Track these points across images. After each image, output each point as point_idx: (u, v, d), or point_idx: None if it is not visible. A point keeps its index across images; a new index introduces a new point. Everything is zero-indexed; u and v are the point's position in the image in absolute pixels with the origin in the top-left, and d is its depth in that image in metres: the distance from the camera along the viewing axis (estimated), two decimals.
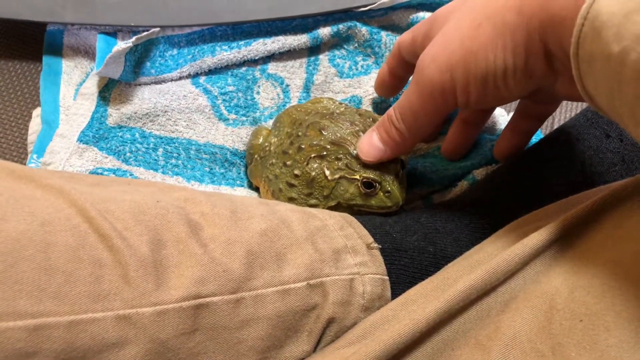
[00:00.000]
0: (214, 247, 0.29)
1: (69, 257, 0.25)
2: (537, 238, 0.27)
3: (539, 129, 0.46)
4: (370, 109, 0.48)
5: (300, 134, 0.40)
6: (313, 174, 0.38)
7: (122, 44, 0.43)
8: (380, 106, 0.48)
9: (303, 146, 0.39)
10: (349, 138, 0.38)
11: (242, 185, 0.45)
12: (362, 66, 0.50)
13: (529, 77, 0.30)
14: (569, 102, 0.50)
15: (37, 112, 0.49)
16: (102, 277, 0.25)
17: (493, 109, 0.41)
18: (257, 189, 0.44)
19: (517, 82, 0.30)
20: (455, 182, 0.43)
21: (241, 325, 0.28)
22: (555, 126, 0.47)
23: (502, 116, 0.47)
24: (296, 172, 0.38)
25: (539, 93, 0.33)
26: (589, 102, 0.25)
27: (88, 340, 0.24)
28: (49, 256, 0.24)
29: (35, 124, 0.48)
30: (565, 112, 0.49)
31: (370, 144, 0.36)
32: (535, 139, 0.44)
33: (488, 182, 0.40)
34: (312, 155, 0.38)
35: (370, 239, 0.34)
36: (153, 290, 0.26)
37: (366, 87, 0.48)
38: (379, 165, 0.37)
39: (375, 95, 0.48)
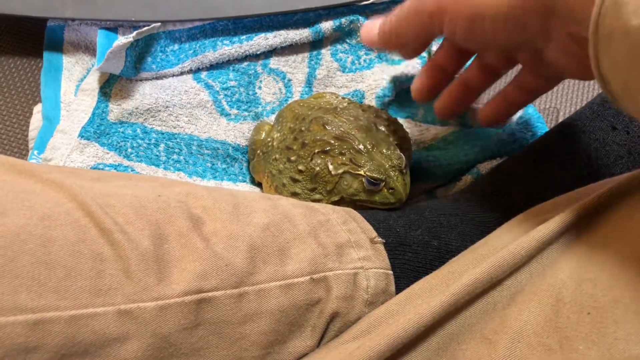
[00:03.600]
0: (216, 241, 0.28)
1: (69, 251, 0.25)
2: (543, 231, 0.27)
3: (544, 123, 0.45)
4: (373, 103, 0.47)
5: (303, 129, 0.39)
6: (317, 169, 0.37)
7: (123, 39, 0.43)
8: (383, 100, 0.47)
9: (307, 141, 0.38)
10: (352, 133, 0.38)
11: (245, 181, 0.45)
12: (364, 60, 0.50)
13: (520, 29, 0.29)
14: (575, 96, 0.49)
15: (37, 109, 0.49)
16: (103, 272, 0.25)
17: (493, 79, 0.39)
18: (259, 185, 0.44)
19: (506, 29, 0.29)
20: (459, 176, 0.43)
21: (244, 320, 0.27)
22: (561, 119, 0.46)
23: None
24: (300, 167, 0.38)
25: (527, 54, 0.33)
26: (600, 84, 0.25)
27: (89, 335, 0.24)
28: (49, 250, 0.24)
29: (36, 120, 0.48)
30: (570, 106, 0.49)
31: (370, 25, 0.37)
32: (540, 132, 0.44)
33: (492, 176, 0.39)
34: (316, 150, 0.38)
35: (374, 234, 0.33)
36: (155, 284, 0.26)
37: (369, 82, 0.48)
38: (384, 161, 0.36)
39: (378, 89, 0.47)
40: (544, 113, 0.48)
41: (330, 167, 0.37)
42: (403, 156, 0.37)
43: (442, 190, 0.44)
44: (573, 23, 0.26)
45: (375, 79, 0.48)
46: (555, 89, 0.50)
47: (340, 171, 0.37)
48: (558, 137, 0.39)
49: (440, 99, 0.41)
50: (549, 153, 0.38)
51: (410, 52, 0.39)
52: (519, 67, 0.37)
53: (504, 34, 0.30)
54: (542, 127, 0.45)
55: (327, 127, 0.38)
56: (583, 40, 0.27)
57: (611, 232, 0.26)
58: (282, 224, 0.31)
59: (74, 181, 0.28)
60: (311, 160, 0.38)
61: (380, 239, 0.33)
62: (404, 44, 0.37)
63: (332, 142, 0.37)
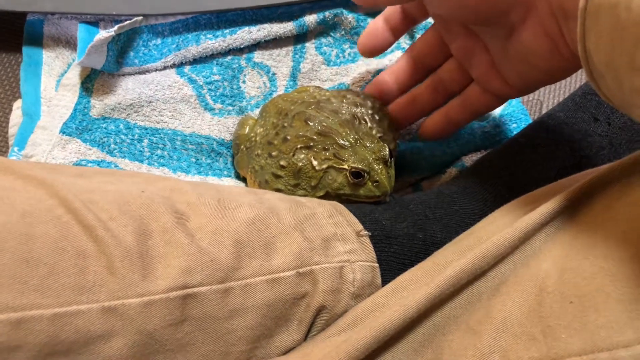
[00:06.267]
0: (201, 236, 0.28)
1: (51, 248, 0.24)
2: (526, 222, 0.27)
3: (528, 115, 0.46)
4: None
5: (285, 124, 0.39)
6: (300, 164, 0.37)
7: (104, 33, 0.42)
8: None
9: (289, 137, 0.38)
10: (335, 128, 0.38)
11: (230, 176, 0.45)
12: (349, 54, 0.49)
13: None
14: (557, 88, 0.50)
15: (17, 105, 0.48)
16: (86, 269, 0.25)
17: (491, 103, 0.39)
18: (244, 180, 0.44)
19: None
20: (444, 168, 0.43)
21: (230, 315, 0.27)
22: (544, 111, 0.47)
23: None
24: (282, 162, 0.38)
25: (495, 42, 0.32)
26: (583, 61, 0.25)
27: (73, 333, 0.23)
28: (31, 248, 0.24)
29: (15, 117, 0.47)
30: (553, 98, 0.49)
31: None
32: (524, 124, 0.44)
33: (477, 168, 0.40)
34: (299, 146, 0.38)
35: (360, 227, 0.33)
36: (139, 280, 0.25)
37: (353, 75, 0.48)
38: (367, 154, 0.36)
39: (363, 82, 0.47)
40: (527, 105, 0.48)
41: (314, 162, 0.37)
42: (387, 148, 0.37)
43: (427, 183, 0.44)
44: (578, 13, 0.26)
45: (360, 72, 0.48)
46: None
47: (324, 166, 0.37)
48: (541, 129, 0.39)
49: (392, 108, 0.42)
50: (532, 144, 0.38)
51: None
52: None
53: None
54: (526, 119, 0.45)
55: (309, 122, 0.38)
56: (564, 16, 0.27)
57: (592, 222, 0.27)
58: (268, 219, 0.31)
59: (55, 177, 0.28)
60: (293, 155, 0.37)
61: (366, 232, 0.33)
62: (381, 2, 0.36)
63: (315, 137, 0.37)
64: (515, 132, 0.43)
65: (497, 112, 0.45)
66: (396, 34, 0.40)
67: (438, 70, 0.40)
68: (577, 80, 0.50)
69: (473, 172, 0.39)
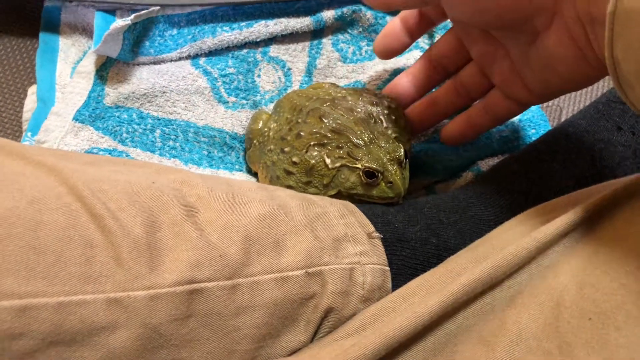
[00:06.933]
0: (211, 231, 0.28)
1: (59, 236, 0.24)
2: (544, 232, 0.26)
3: (547, 121, 0.45)
4: None
5: (300, 120, 0.39)
6: (312, 162, 0.37)
7: (120, 22, 0.42)
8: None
9: (302, 133, 0.37)
10: (350, 126, 0.37)
11: (241, 170, 0.44)
12: (366, 51, 0.49)
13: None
14: (578, 94, 0.49)
15: (32, 90, 0.48)
16: (93, 258, 0.24)
17: (515, 109, 0.38)
18: (256, 175, 0.43)
19: None
20: (459, 172, 0.42)
21: (236, 313, 0.27)
22: (563, 118, 0.46)
23: None
24: (294, 159, 0.37)
25: (517, 49, 0.31)
26: (611, 70, 0.24)
27: (77, 323, 0.23)
28: (38, 235, 0.23)
29: (30, 102, 0.47)
30: (573, 105, 0.48)
31: None
32: (543, 130, 0.43)
33: (493, 174, 0.39)
34: (312, 143, 0.37)
35: (372, 228, 0.33)
36: (146, 273, 0.25)
37: (370, 73, 0.47)
38: (382, 154, 0.36)
39: (379, 81, 0.47)
40: (547, 111, 0.47)
41: (327, 160, 0.36)
42: (402, 149, 0.36)
43: (442, 186, 0.43)
44: (586, 2, 0.25)
45: (376, 70, 0.47)
46: None
47: (337, 165, 0.36)
48: (561, 136, 0.38)
49: (411, 111, 0.41)
50: (551, 152, 0.37)
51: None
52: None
53: (509, 3, 0.28)
54: (545, 125, 0.44)
55: (324, 119, 0.37)
56: (591, 21, 0.26)
57: (614, 236, 0.26)
58: (279, 216, 0.30)
59: (66, 165, 0.27)
60: (306, 152, 0.37)
61: (377, 234, 0.32)
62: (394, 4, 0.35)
63: (329, 135, 0.37)
64: (533, 138, 0.42)
65: (516, 117, 0.44)
66: (413, 35, 0.39)
67: (459, 74, 0.39)
68: (599, 87, 0.49)
69: (489, 177, 0.39)
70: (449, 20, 0.39)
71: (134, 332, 0.24)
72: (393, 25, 0.39)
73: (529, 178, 0.37)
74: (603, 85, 0.49)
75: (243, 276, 0.27)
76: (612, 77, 0.24)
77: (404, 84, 0.41)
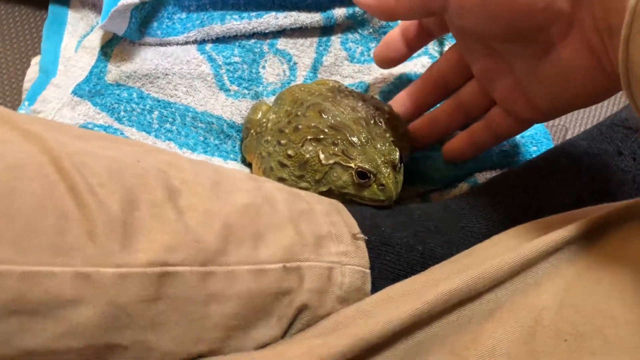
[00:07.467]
0: (191, 215, 0.27)
1: (33, 205, 0.23)
2: (530, 248, 0.26)
3: (551, 140, 0.44)
4: (377, 97, 0.46)
5: (299, 113, 0.38)
6: (307, 156, 0.36)
7: None
8: (387, 96, 0.46)
9: (300, 126, 0.37)
10: (348, 124, 0.36)
11: (236, 160, 0.44)
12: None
13: (548, 5, 0.27)
14: (585, 116, 0.48)
15: (35, 60, 0.47)
16: (65, 231, 0.24)
17: (522, 124, 0.37)
18: (250, 165, 0.43)
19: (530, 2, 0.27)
20: (456, 182, 0.41)
21: (208, 300, 0.26)
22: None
23: None
24: (290, 152, 0.37)
25: (524, 63, 0.30)
26: (622, 72, 0.23)
27: (42, 294, 0.23)
28: (12, 201, 0.23)
29: (32, 72, 0.47)
30: (580, 126, 0.47)
31: None
32: (545, 148, 0.42)
33: (489, 187, 0.38)
34: (309, 137, 0.36)
35: (357, 229, 0.32)
36: (118, 251, 0.24)
37: (375, 75, 0.46)
38: (377, 156, 0.35)
39: (384, 84, 0.46)
40: (551, 130, 0.46)
41: (322, 156, 0.36)
42: (398, 152, 0.35)
43: (437, 195, 0.42)
44: (605, 10, 0.24)
45: (382, 72, 0.46)
46: None
47: (331, 161, 0.35)
48: (562, 155, 0.37)
49: (412, 128, 0.41)
50: (550, 170, 0.37)
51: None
52: None
53: (524, 9, 0.27)
54: (548, 143, 0.43)
55: (323, 115, 0.37)
56: (609, 33, 0.25)
57: (603, 257, 0.25)
58: (263, 207, 0.30)
59: (53, 135, 0.27)
60: (302, 146, 0.36)
61: (362, 236, 0.32)
62: (396, 15, 0.35)
63: (326, 130, 0.36)
64: (534, 155, 0.41)
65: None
66: (412, 47, 0.39)
67: (459, 92, 0.39)
68: (606, 109, 0.48)
69: (485, 190, 0.38)
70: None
71: (100, 309, 0.24)
72: (392, 35, 0.39)
73: (526, 194, 0.36)
74: (611, 107, 0.48)
75: (218, 264, 0.27)
76: (623, 81, 0.23)
77: (404, 101, 0.41)
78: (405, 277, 0.31)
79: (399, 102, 0.41)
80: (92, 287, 0.24)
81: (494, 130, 0.37)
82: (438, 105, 0.41)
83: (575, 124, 0.47)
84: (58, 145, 0.26)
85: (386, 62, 0.40)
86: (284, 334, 0.29)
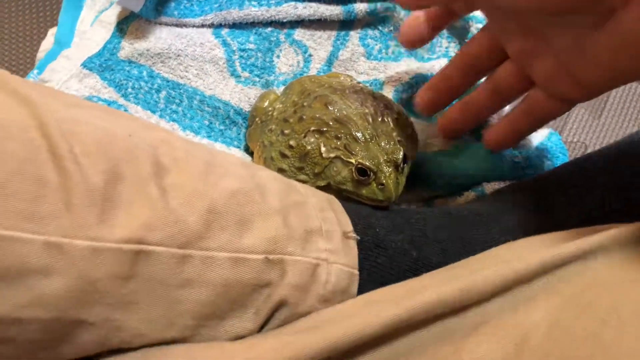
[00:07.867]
0: (175, 195, 0.26)
1: (12, 168, 0.23)
2: (526, 263, 0.24)
3: (567, 155, 0.42)
4: (390, 96, 0.44)
5: (305, 104, 0.37)
6: (308, 147, 0.35)
7: None
8: (400, 96, 0.44)
9: (305, 117, 0.36)
10: (354, 119, 0.35)
11: (239, 147, 0.43)
12: (392, 52, 0.47)
13: None
14: (607, 134, 0.45)
15: (52, 32, 0.47)
16: (41, 198, 0.23)
17: (564, 106, 0.34)
18: (252, 154, 0.42)
19: None
20: (462, 191, 0.40)
21: (182, 284, 0.25)
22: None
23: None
24: (291, 142, 0.36)
25: (570, 39, 0.28)
26: None
27: (10, 260, 0.22)
28: None
29: (47, 43, 0.47)
30: (600, 145, 0.45)
31: None
32: (559, 163, 0.40)
33: (496, 198, 0.36)
34: (312, 128, 0.35)
35: (350, 228, 0.31)
36: (94, 224, 0.24)
37: (391, 73, 0.45)
38: (379, 154, 0.34)
39: (398, 83, 0.45)
40: (569, 146, 0.44)
41: (323, 148, 0.35)
42: (402, 152, 0.34)
43: (441, 202, 0.41)
44: None
45: (398, 71, 0.45)
46: (587, 123, 0.47)
47: (331, 155, 0.34)
48: (575, 170, 0.35)
49: (445, 115, 0.39)
50: (561, 186, 0.35)
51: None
52: None
53: None
54: (564, 158, 0.41)
55: (329, 107, 0.36)
56: None
57: (603, 280, 0.23)
58: (252, 195, 0.28)
59: (46, 101, 0.26)
60: (304, 137, 0.35)
61: (354, 235, 0.30)
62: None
63: (331, 123, 0.35)
64: (546, 170, 0.39)
65: (533, 142, 0.41)
66: (435, 25, 0.38)
67: (494, 75, 0.37)
68: (628, 128, 0.46)
69: (490, 200, 0.36)
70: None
71: (69, 281, 0.23)
72: (416, 15, 0.38)
73: (532, 208, 0.34)
74: (632, 126, 0.46)
75: (197, 248, 0.26)
76: None
77: (437, 86, 0.39)
78: (395, 282, 0.29)
79: (428, 89, 0.39)
80: (63, 258, 0.23)
81: (535, 114, 0.35)
82: (468, 91, 0.39)
83: (596, 141, 0.45)
84: (49, 111, 0.25)
85: (411, 40, 0.39)
86: (260, 329, 0.28)
